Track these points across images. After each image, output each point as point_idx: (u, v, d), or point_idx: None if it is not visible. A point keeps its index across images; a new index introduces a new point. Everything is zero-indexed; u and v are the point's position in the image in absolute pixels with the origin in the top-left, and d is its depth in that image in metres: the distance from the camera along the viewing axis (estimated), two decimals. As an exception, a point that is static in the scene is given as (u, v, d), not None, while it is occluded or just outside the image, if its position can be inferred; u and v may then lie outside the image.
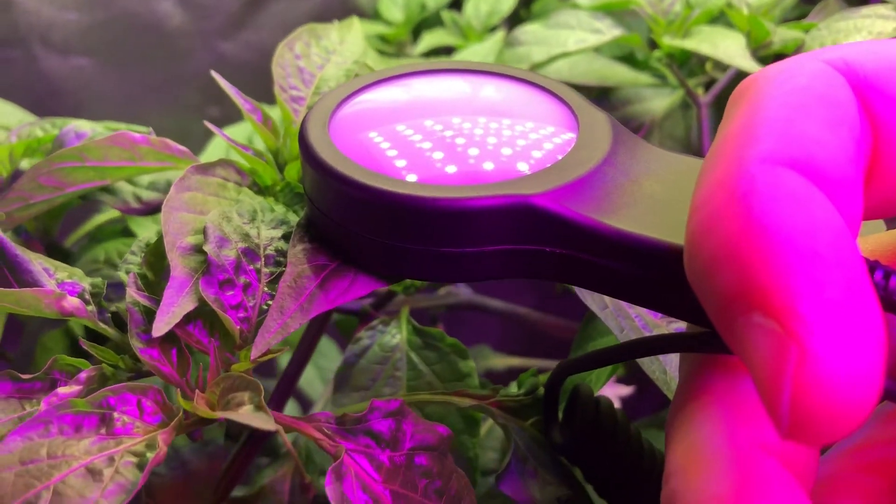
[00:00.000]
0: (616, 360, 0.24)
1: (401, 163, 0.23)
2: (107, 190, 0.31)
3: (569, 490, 0.27)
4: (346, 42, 0.33)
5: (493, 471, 0.37)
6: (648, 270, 0.21)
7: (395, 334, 0.32)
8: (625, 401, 0.47)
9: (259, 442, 0.31)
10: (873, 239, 0.21)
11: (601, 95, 0.44)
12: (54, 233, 0.39)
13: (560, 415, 0.29)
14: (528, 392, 0.29)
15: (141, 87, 0.59)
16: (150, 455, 0.20)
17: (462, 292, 0.43)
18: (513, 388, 0.30)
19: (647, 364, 0.27)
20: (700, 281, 0.16)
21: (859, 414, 0.14)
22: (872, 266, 0.18)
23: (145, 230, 0.37)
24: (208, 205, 0.26)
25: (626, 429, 0.27)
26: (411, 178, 0.23)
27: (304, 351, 0.31)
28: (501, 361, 0.50)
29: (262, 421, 0.20)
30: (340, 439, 0.23)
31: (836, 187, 0.16)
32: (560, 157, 0.23)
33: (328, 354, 0.52)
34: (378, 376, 0.31)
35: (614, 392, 0.46)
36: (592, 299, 0.27)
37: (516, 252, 0.22)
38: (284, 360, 0.45)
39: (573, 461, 0.28)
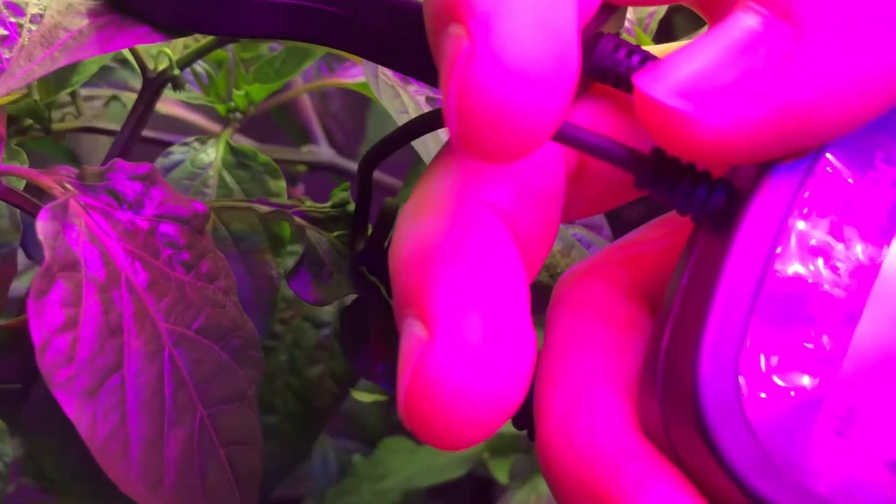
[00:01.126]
0: (412, 135, 0.24)
1: None
2: None
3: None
4: None
5: (326, 323, 0.36)
6: (419, 35, 0.20)
7: (210, 152, 0.30)
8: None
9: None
10: None
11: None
12: None
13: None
14: (336, 205, 0.28)
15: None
16: None
17: (324, 152, 0.41)
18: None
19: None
20: (427, 24, 0.15)
21: (525, 129, 0.13)
22: (608, 38, 0.17)
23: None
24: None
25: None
26: None
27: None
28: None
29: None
30: (79, 195, 0.21)
31: None
32: None
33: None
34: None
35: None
36: (391, 105, 0.26)
37: (297, 8, 0.22)
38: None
39: (373, 272, 0.27)
